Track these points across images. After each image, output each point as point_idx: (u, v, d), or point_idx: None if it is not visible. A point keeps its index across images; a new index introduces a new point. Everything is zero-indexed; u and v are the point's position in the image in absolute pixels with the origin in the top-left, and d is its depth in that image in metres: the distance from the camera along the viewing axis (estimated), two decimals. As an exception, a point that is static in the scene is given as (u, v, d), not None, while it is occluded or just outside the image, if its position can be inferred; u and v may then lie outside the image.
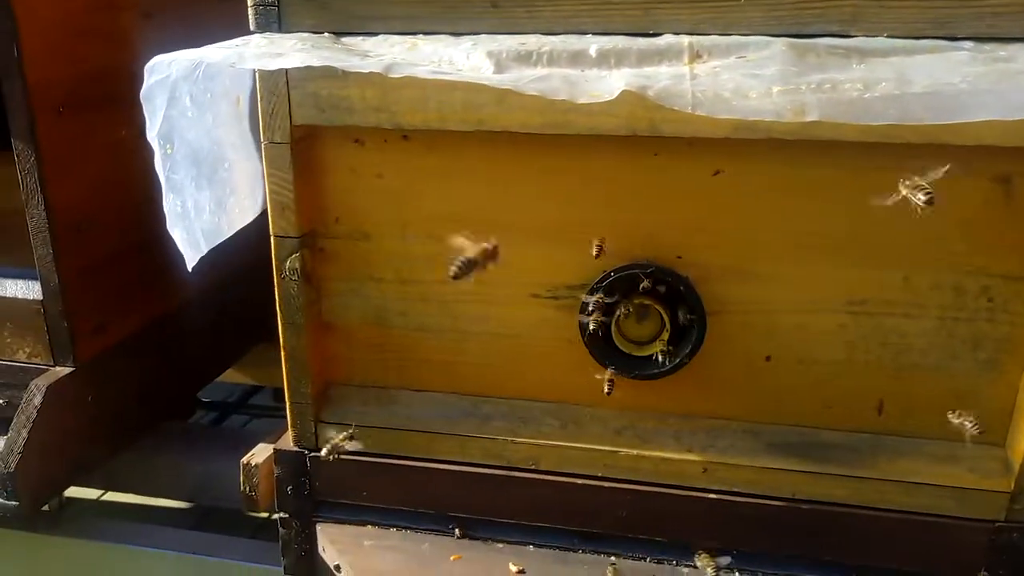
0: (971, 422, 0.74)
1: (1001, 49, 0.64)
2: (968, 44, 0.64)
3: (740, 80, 0.60)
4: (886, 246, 0.74)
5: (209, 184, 0.80)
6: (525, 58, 0.66)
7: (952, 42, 0.65)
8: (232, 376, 1.52)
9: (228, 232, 0.85)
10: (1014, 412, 0.77)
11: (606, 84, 0.62)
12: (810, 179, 0.73)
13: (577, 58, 0.66)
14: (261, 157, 0.78)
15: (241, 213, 0.85)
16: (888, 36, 0.66)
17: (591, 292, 0.78)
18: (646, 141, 0.73)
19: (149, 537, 1.14)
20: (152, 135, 0.74)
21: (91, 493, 1.50)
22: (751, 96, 0.59)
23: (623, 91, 0.62)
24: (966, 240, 0.73)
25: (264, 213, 0.83)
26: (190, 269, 0.81)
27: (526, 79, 0.62)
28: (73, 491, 1.38)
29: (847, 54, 0.64)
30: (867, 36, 0.67)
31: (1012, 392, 0.76)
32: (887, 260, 0.75)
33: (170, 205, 0.77)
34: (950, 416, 0.76)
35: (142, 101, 0.72)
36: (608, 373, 0.79)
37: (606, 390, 0.79)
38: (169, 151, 0.74)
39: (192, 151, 0.77)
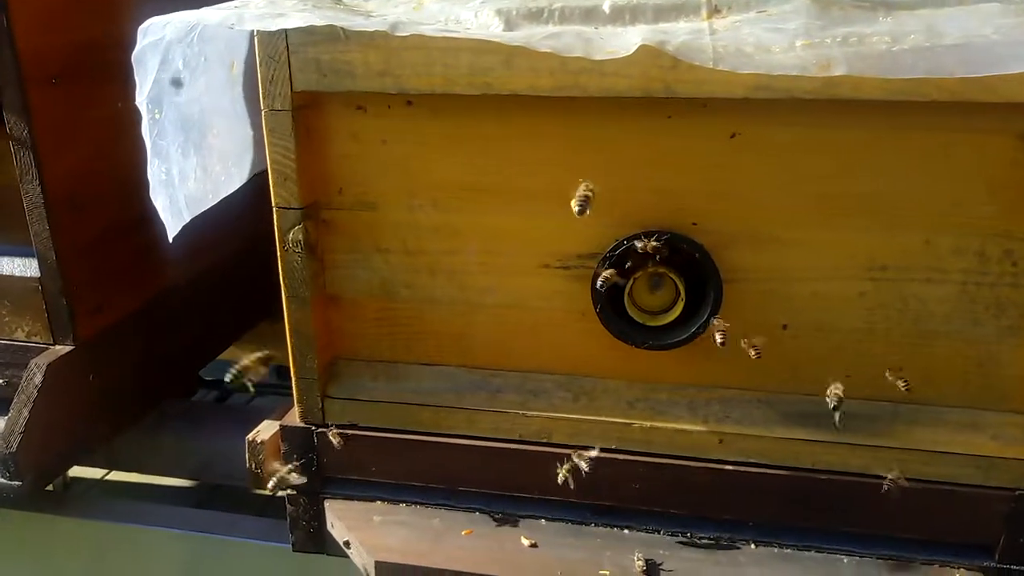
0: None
1: (1033, 0, 0.61)
2: (998, -5, 0.62)
3: (762, 34, 0.58)
4: (908, 209, 0.72)
5: (196, 151, 0.77)
6: (536, 15, 0.63)
7: (981, -7, 0.62)
8: (234, 354, 1.50)
9: (213, 200, 0.83)
10: (1037, 379, 0.75)
11: (622, 40, 0.60)
12: (830, 140, 0.71)
13: (590, 15, 0.64)
14: (254, 124, 0.76)
15: (227, 181, 0.83)
16: (915, -12, 0.64)
17: (605, 260, 0.76)
18: (660, 103, 0.71)
19: (154, 516, 1.13)
20: (141, 99, 0.72)
21: (95, 473, 1.49)
22: (774, 50, 0.56)
23: (640, 48, 0.60)
24: (991, 202, 0.71)
25: (264, 184, 0.81)
26: (171, 238, 0.79)
27: (538, 36, 0.60)
28: (77, 471, 1.38)
29: (873, 7, 0.61)
30: (893, -11, 0.64)
31: (1035, 359, 0.75)
32: (909, 224, 0.73)
33: (154, 171, 0.75)
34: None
35: (133, 64, 0.70)
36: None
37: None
38: (157, 116, 0.72)
39: (181, 116, 0.75)
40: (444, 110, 0.76)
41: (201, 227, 0.88)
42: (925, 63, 0.56)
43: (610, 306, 0.79)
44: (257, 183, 0.87)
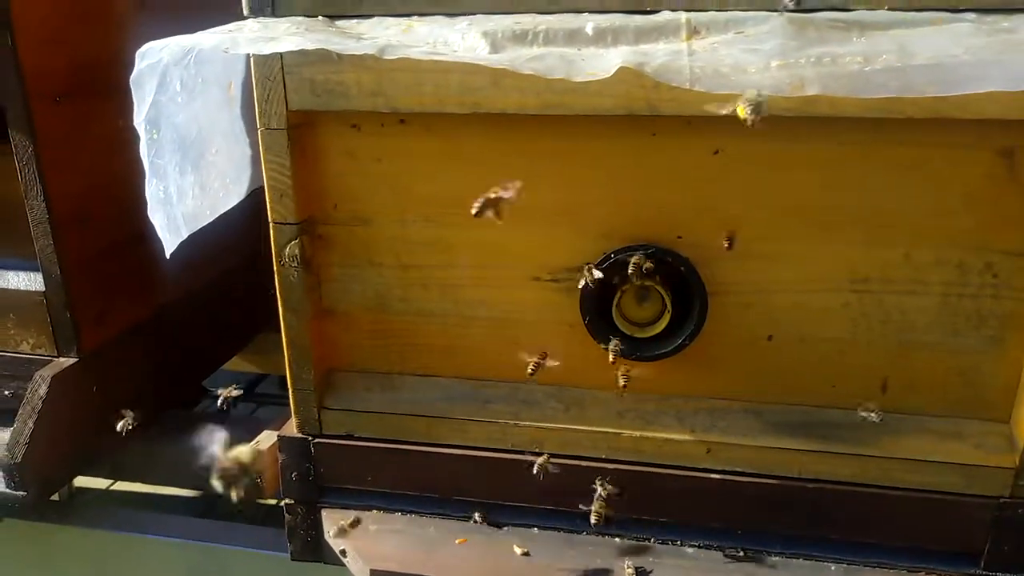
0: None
1: (1004, 20, 0.63)
2: (971, 15, 0.63)
3: (739, 55, 0.59)
4: (888, 223, 0.74)
5: (194, 169, 0.79)
6: (521, 37, 0.65)
7: (954, 14, 0.64)
8: (238, 364, 1.52)
9: (211, 216, 0.85)
10: (1019, 388, 0.76)
11: (603, 62, 0.62)
12: (811, 156, 0.73)
13: (573, 36, 0.66)
14: (251, 143, 0.78)
15: (225, 197, 0.85)
16: (889, 9, 0.65)
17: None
18: (644, 121, 0.73)
19: (157, 525, 1.15)
20: (139, 120, 0.74)
21: (100, 483, 1.51)
22: (750, 71, 0.58)
23: (620, 69, 0.62)
24: (969, 216, 0.72)
25: (262, 200, 0.83)
26: (168, 255, 0.81)
27: (522, 58, 0.62)
28: (82, 481, 1.39)
29: (847, 28, 0.63)
30: (868, 9, 0.66)
31: (1017, 368, 0.76)
32: (889, 237, 0.74)
33: (152, 190, 0.77)
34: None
35: (131, 86, 0.72)
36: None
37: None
38: (155, 136, 0.74)
39: (179, 136, 0.77)
40: (436, 128, 0.78)
41: (203, 240, 0.89)
42: (896, 82, 0.57)
43: (599, 318, 0.80)
44: (258, 198, 0.90)
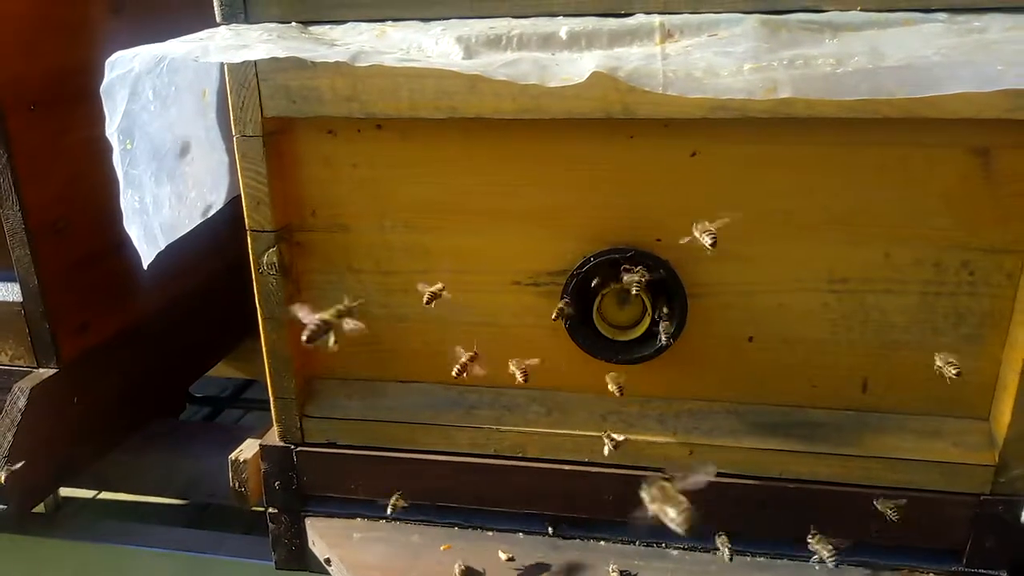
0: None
1: (976, 19, 0.63)
2: (942, 15, 0.63)
3: (711, 59, 0.59)
4: (866, 223, 0.74)
5: (169, 179, 0.79)
6: (495, 42, 0.65)
7: (926, 14, 0.64)
8: (224, 370, 1.51)
9: (189, 226, 0.84)
10: (997, 386, 0.77)
11: (576, 67, 0.61)
12: (787, 157, 0.73)
13: (547, 41, 0.65)
14: (228, 150, 0.77)
15: (204, 206, 0.84)
16: (861, 9, 0.65)
17: (573, 276, 0.78)
18: (621, 124, 0.72)
19: (143, 536, 1.14)
20: (111, 131, 0.73)
21: (86, 493, 1.50)
22: (722, 74, 0.58)
23: (595, 73, 0.61)
24: (945, 215, 0.72)
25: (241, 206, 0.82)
26: (146, 266, 0.80)
27: (496, 64, 0.61)
28: (68, 491, 1.38)
29: (820, 29, 0.63)
30: (840, 10, 0.66)
31: (995, 365, 0.76)
32: (867, 237, 0.74)
33: (127, 201, 0.76)
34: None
35: (102, 96, 0.71)
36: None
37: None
38: (129, 146, 0.73)
39: (153, 146, 0.77)
40: (412, 133, 0.78)
41: (185, 247, 0.89)
42: (867, 84, 0.57)
43: (579, 322, 0.80)
44: (238, 204, 0.89)
